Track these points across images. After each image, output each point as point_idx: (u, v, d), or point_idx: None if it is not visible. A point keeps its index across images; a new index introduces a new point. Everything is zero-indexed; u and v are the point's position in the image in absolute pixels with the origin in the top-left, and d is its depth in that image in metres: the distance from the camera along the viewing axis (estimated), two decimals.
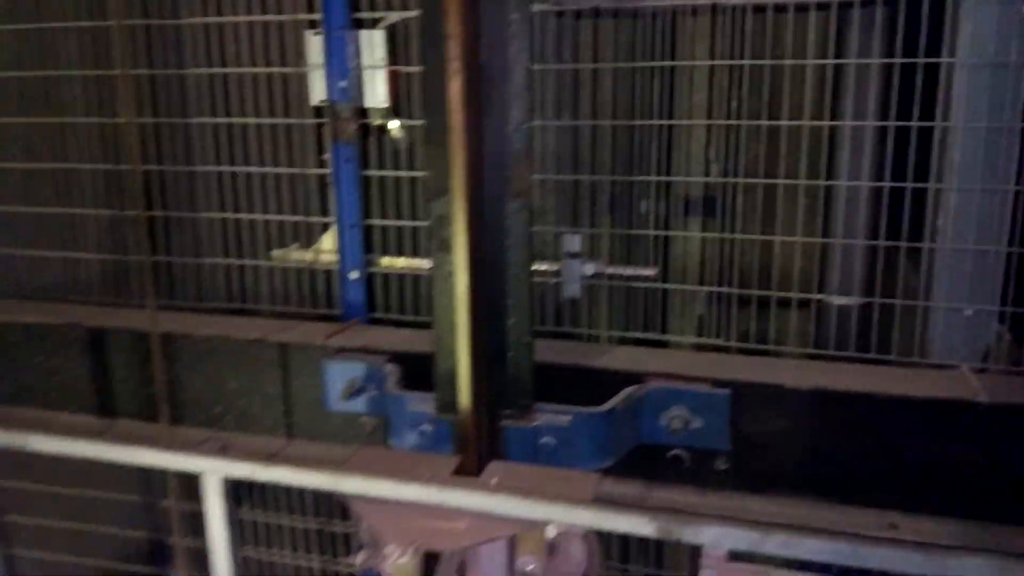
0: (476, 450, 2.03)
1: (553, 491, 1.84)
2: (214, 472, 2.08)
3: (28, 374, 2.87)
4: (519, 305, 2.02)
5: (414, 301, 2.69)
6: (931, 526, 2.04)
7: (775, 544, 1.63)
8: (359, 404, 2.44)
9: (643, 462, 2.24)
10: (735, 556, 1.69)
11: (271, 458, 2.16)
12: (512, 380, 2.07)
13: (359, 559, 2.00)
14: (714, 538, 1.69)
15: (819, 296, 2.28)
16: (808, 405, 2.09)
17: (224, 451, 2.11)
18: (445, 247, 1.99)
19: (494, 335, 2.02)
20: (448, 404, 2.08)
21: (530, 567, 1.88)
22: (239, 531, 2.49)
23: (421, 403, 2.18)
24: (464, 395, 2.00)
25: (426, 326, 2.66)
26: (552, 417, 2.09)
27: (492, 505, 1.84)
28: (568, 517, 1.81)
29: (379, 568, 1.98)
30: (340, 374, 2.43)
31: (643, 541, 2.72)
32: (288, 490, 3.00)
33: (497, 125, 1.89)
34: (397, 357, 2.41)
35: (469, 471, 1.99)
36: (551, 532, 1.86)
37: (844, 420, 2.07)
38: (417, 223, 2.61)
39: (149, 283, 2.21)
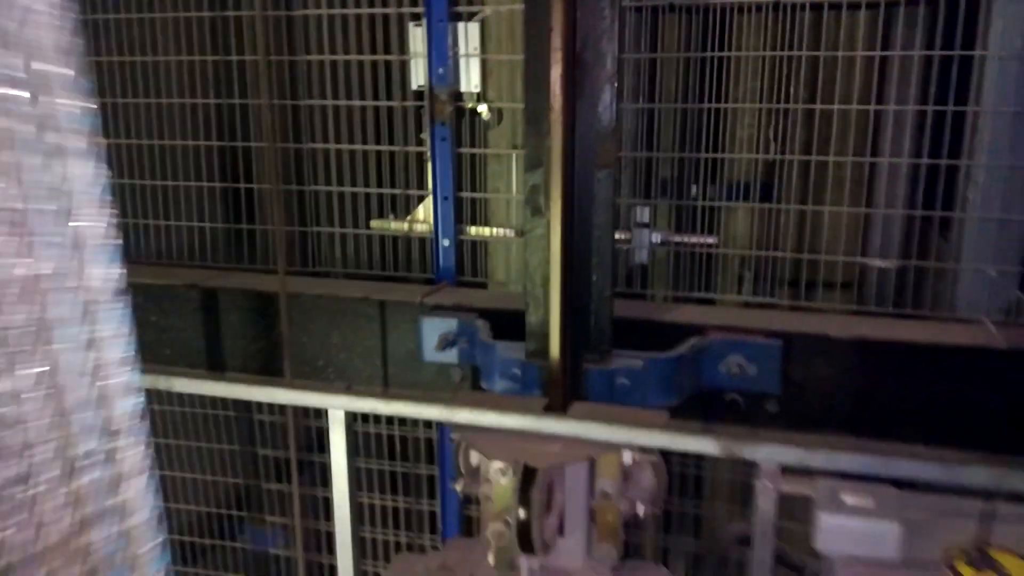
0: (562, 390, 2.36)
1: (631, 421, 2.17)
2: (340, 407, 2.43)
3: (143, 332, 3.23)
4: (602, 263, 2.35)
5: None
6: (954, 458, 2.35)
7: (819, 459, 1.94)
8: (451, 355, 2.77)
9: (703, 406, 2.57)
10: (785, 470, 2.01)
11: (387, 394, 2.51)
12: (594, 329, 2.40)
13: (459, 486, 2.32)
14: (768, 455, 2.01)
15: (862, 259, 2.59)
16: (850, 353, 2.40)
17: (348, 389, 2.45)
18: (538, 212, 2.32)
19: (580, 290, 2.36)
20: (537, 351, 2.42)
21: (608, 488, 2.20)
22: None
23: (511, 351, 2.51)
24: (554, 341, 2.33)
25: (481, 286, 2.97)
26: (627, 361, 2.42)
27: (581, 430, 2.17)
28: (645, 440, 2.13)
29: (476, 492, 2.29)
30: (435, 328, 2.77)
31: (697, 483, 3.05)
32: (377, 437, 3.35)
33: (589, 105, 2.22)
34: (485, 313, 2.75)
35: (556, 408, 2.32)
36: (627, 459, 2.17)
37: (882, 366, 2.38)
38: (493, 195, 2.94)
39: (281, 249, 2.56)
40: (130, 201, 3.36)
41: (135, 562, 0.82)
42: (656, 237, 2.69)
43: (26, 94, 0.66)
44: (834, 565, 1.57)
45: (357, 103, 2.97)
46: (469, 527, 3.27)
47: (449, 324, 2.77)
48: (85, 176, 0.72)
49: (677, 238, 2.70)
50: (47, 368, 0.74)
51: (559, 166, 2.18)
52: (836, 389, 2.44)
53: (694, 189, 2.85)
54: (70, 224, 0.72)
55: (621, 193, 2.82)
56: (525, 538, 2.08)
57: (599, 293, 2.38)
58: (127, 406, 0.80)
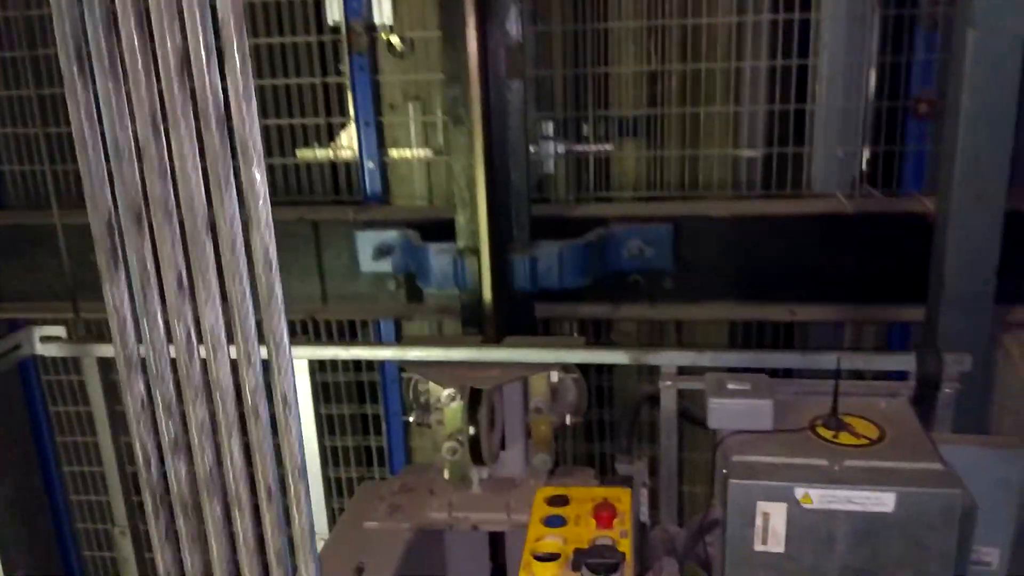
0: (496, 326, 2.68)
1: (554, 345, 2.51)
2: (304, 356, 2.61)
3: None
4: (519, 164, 2.69)
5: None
6: (820, 310, 2.85)
7: (707, 359, 2.34)
8: (386, 264, 3.06)
9: (610, 288, 2.97)
10: (682, 370, 2.39)
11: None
12: (516, 224, 2.75)
13: (412, 417, 2.53)
14: (668, 360, 2.38)
15: (734, 151, 3.04)
16: (729, 229, 2.86)
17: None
18: (459, 121, 2.63)
19: (502, 189, 2.69)
20: (467, 248, 2.74)
21: (540, 404, 2.47)
22: None
23: (443, 251, 2.83)
24: (483, 237, 2.65)
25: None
26: (546, 250, 2.78)
27: (514, 356, 2.47)
28: (567, 357, 2.46)
29: (427, 422, 2.48)
30: (369, 241, 3.05)
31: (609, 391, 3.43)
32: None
33: (499, 24, 2.53)
34: (414, 224, 3.04)
35: (492, 341, 2.65)
36: (554, 378, 2.46)
37: (755, 237, 2.85)
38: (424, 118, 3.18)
39: None
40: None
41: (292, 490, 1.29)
42: (560, 148, 3.04)
43: None
44: (724, 437, 1.91)
45: (277, 40, 3.16)
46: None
47: (382, 236, 3.05)
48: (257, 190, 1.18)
49: (578, 147, 3.06)
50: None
51: (476, 77, 2.49)
52: (720, 261, 2.89)
53: (585, 128, 3.19)
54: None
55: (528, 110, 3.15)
56: (476, 451, 2.34)
57: (518, 192, 2.73)
58: (289, 378, 1.30)
